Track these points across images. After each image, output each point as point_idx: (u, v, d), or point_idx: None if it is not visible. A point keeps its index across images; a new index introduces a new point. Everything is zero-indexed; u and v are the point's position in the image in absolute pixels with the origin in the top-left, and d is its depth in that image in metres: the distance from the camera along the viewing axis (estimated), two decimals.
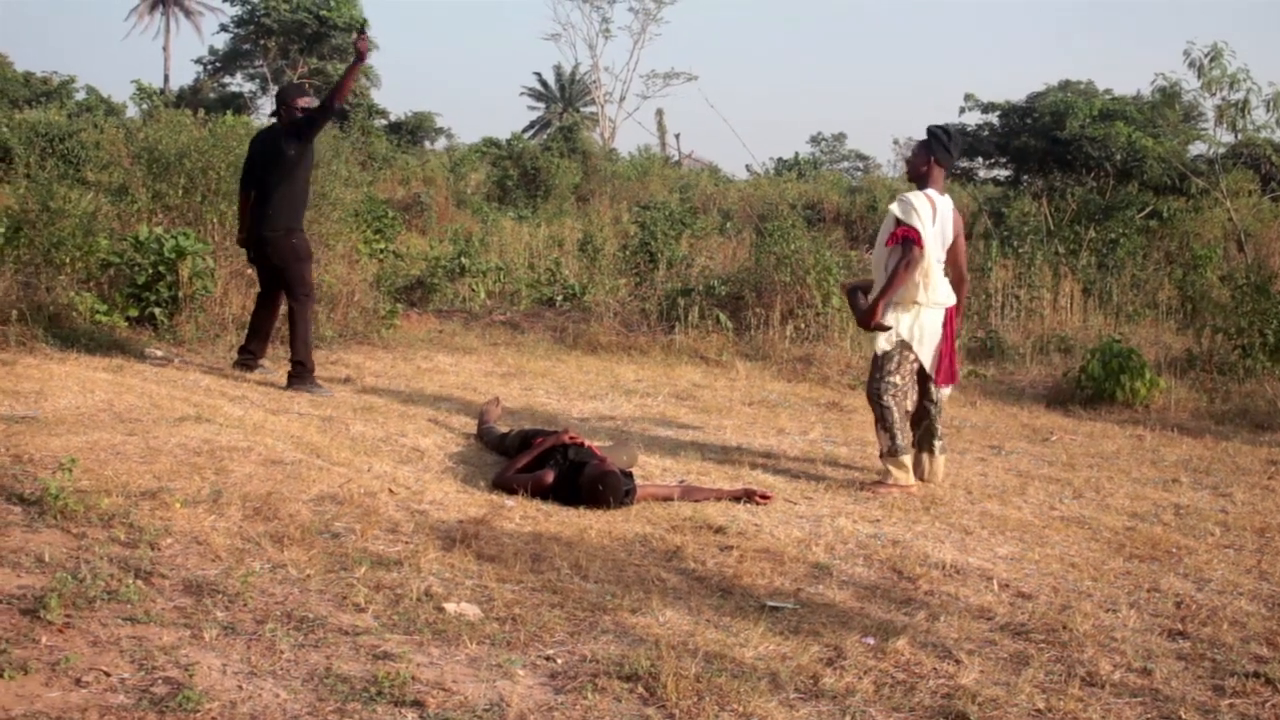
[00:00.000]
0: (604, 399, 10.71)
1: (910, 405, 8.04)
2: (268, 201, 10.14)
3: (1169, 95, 19.34)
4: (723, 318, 14.06)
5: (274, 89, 49.27)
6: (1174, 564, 6.34)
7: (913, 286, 7.85)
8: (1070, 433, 10.10)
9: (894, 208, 7.93)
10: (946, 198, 8.10)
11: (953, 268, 8.25)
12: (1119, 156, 20.53)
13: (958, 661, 4.71)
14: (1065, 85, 27.71)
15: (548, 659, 4.51)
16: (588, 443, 7.60)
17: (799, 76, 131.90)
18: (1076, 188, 20.36)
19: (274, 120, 10.51)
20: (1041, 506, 7.52)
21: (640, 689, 4.25)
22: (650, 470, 7.99)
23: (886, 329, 7.93)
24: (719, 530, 6.50)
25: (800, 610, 5.30)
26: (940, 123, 8.20)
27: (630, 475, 7.14)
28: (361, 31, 10.18)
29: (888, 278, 7.87)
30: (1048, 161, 21.82)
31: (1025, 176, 23.16)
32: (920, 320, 7.93)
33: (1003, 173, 24.02)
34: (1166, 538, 6.82)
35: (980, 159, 23.86)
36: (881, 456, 7.97)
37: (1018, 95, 25.60)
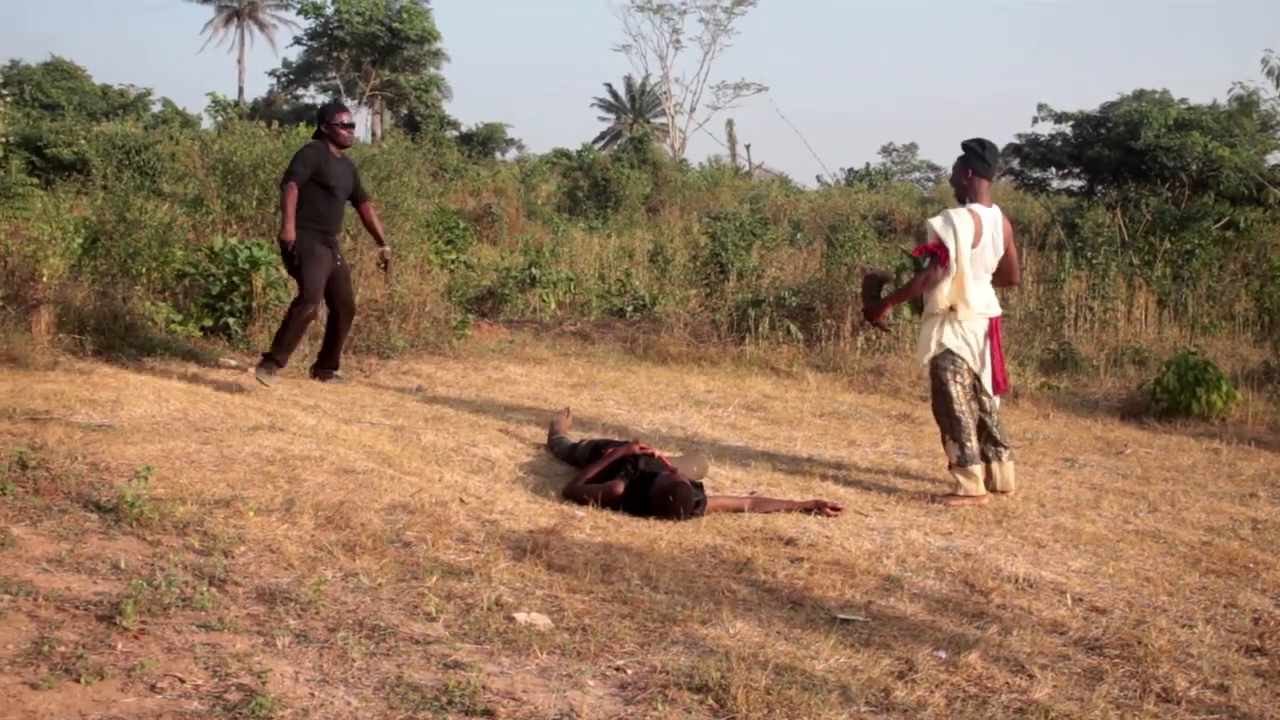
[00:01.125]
0: (674, 410, 10.71)
1: (976, 410, 8.03)
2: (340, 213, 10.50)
3: (1246, 104, 19.15)
4: (793, 329, 14.02)
5: (347, 101, 49.69)
6: (1251, 579, 6.25)
7: (945, 297, 7.91)
8: (1145, 446, 9.99)
9: (933, 221, 7.98)
10: (994, 209, 8.10)
11: (1002, 276, 8.27)
12: (1194, 166, 20.31)
13: (1031, 676, 4.67)
14: (1140, 95, 27.43)
15: (618, 669, 4.51)
16: (658, 453, 7.59)
17: (870, 86, 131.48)
18: (1151, 198, 20.16)
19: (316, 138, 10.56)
20: (1116, 520, 7.44)
21: (710, 701, 4.24)
22: (720, 481, 7.97)
23: (886, 329, 8.34)
24: (790, 542, 6.48)
25: (871, 623, 5.27)
26: (977, 136, 8.17)
27: (700, 486, 7.13)
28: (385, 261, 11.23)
29: (906, 285, 8.17)
30: (1122, 172, 21.62)
31: (1099, 187, 22.95)
32: (963, 329, 7.96)
33: (1076, 183, 23.81)
34: (1244, 552, 6.72)
35: (1054, 169, 23.66)
36: (951, 468, 7.94)
37: (1091, 105, 25.43)
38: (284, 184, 10.04)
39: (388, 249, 11.15)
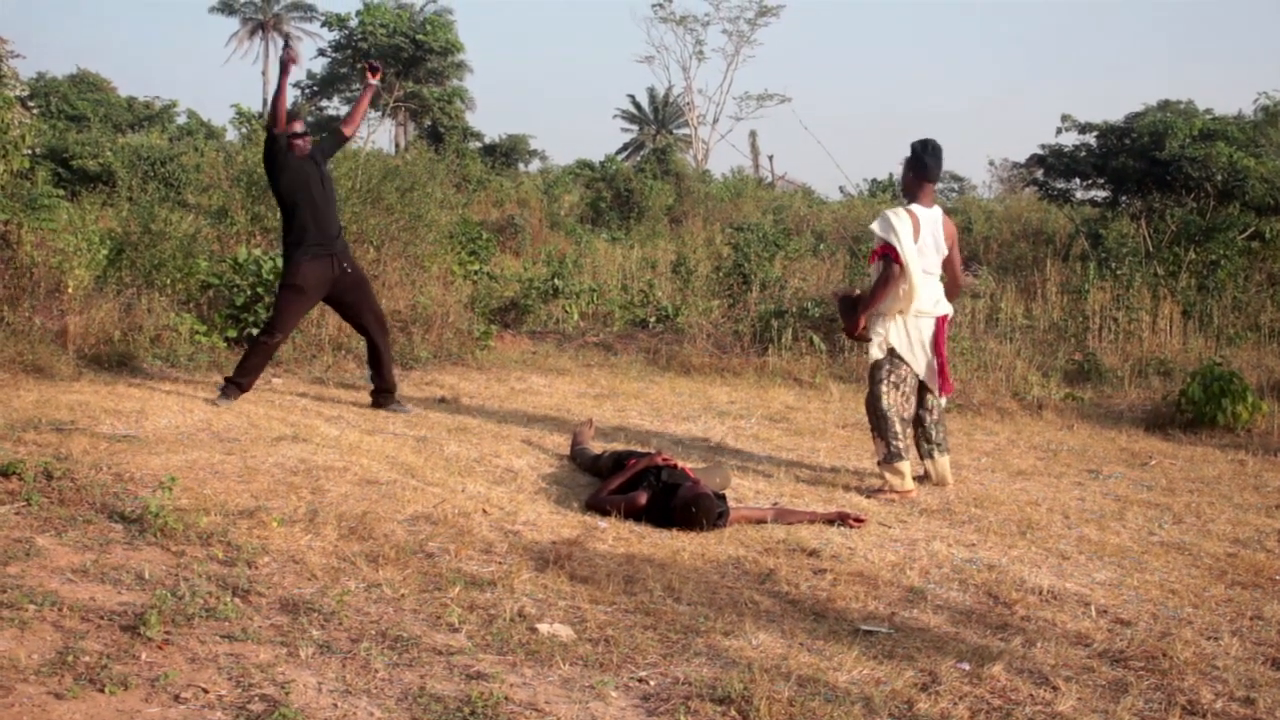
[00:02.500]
0: (697, 421, 10.70)
1: (909, 414, 8.32)
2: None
3: (1272, 114, 19.07)
4: (816, 339, 14.01)
5: (371, 113, 49.82)
6: (1277, 591, 6.22)
7: (896, 298, 8.17)
8: (1170, 457, 9.95)
9: (874, 225, 8.34)
10: (934, 209, 8.40)
11: (948, 274, 8.59)
12: (1220, 177, 20.19)
13: (1055, 688, 4.65)
14: (1165, 105, 27.32)
15: (640, 681, 4.50)
16: (681, 464, 7.59)
17: (893, 96, 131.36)
18: (1176, 209, 20.05)
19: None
20: (1140, 532, 7.41)
21: (733, 712, 4.24)
22: (743, 492, 7.97)
23: (868, 340, 8.37)
24: (813, 553, 6.47)
25: (895, 635, 5.26)
26: (922, 139, 8.39)
27: (723, 497, 7.13)
28: (374, 67, 10.47)
29: (870, 292, 8.29)
30: (1146, 182, 21.51)
31: (1123, 197, 22.83)
32: (907, 329, 8.27)
33: (1100, 193, 23.67)
34: (1270, 564, 6.69)
35: (1078, 180, 23.54)
36: (879, 464, 8.24)
37: (1116, 115, 25.31)
38: (274, 131, 9.65)
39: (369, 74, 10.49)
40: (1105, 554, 6.81)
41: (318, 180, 9.70)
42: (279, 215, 12.07)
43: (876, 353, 8.32)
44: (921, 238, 8.23)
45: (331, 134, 10.27)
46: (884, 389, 8.27)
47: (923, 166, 8.32)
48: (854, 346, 13.67)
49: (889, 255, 8.16)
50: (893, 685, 4.58)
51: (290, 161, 9.63)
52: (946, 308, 8.50)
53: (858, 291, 8.54)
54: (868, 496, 8.13)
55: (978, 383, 12.59)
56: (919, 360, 8.32)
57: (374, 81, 10.28)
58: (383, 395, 10.11)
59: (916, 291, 8.20)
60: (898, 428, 8.22)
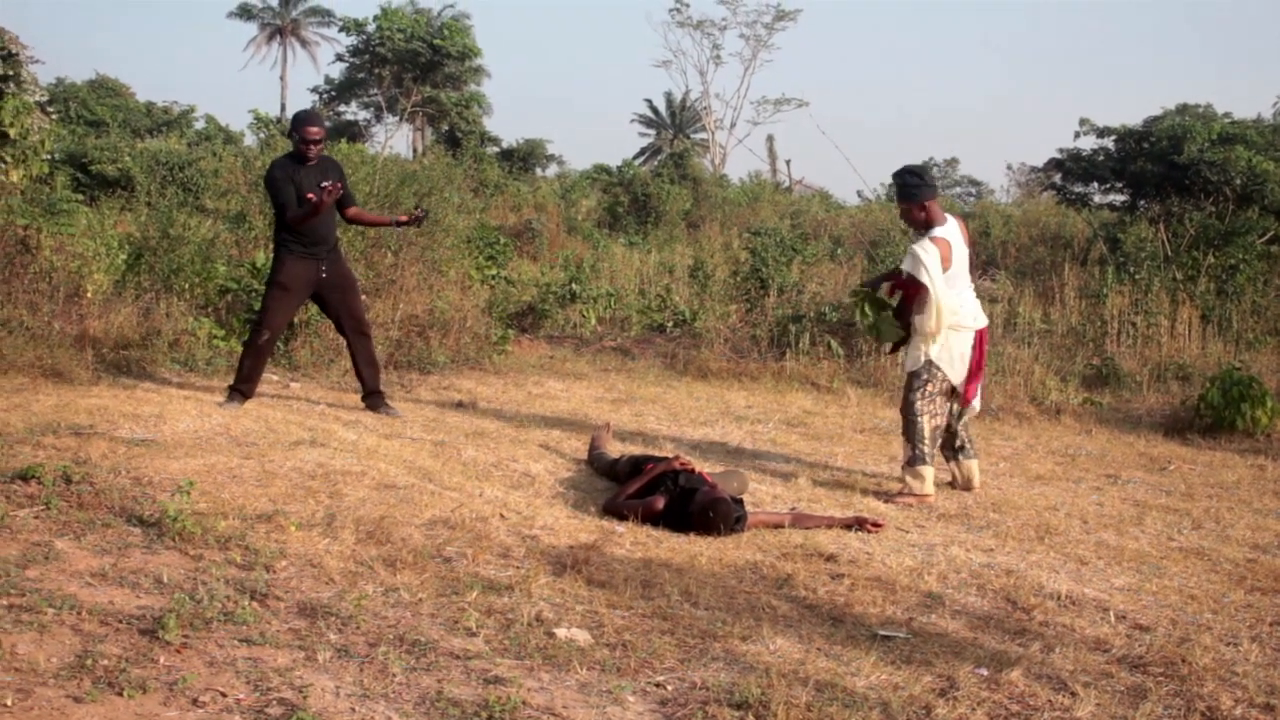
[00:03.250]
0: (714, 425, 10.70)
1: (941, 421, 8.43)
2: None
3: None
4: (834, 344, 14.00)
5: (388, 117, 49.94)
6: None
7: (937, 321, 8.25)
8: (1189, 462, 9.92)
9: (904, 264, 8.40)
10: (951, 221, 8.49)
11: None
12: (1239, 181, 20.13)
13: (1073, 694, 4.64)
14: (1183, 109, 27.26)
15: (658, 686, 4.50)
16: (698, 469, 7.58)
17: (910, 101, 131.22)
18: (1195, 213, 19.98)
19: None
20: (1159, 537, 7.39)
21: (750, 717, 4.24)
22: (761, 497, 7.96)
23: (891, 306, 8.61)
24: (830, 558, 6.47)
25: (912, 640, 5.25)
26: (904, 166, 8.52)
27: (741, 502, 7.12)
28: (420, 214, 10.23)
29: (906, 302, 8.49)
30: (1165, 186, 21.45)
31: (1142, 201, 22.77)
32: (949, 343, 8.33)
33: (1119, 198, 23.62)
34: None
35: (1096, 184, 23.50)
36: (903, 467, 8.34)
37: (1134, 119, 25.26)
38: (286, 219, 9.51)
39: (403, 215, 10.39)
40: (1124, 559, 6.79)
41: (317, 191, 9.53)
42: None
43: (913, 363, 8.40)
44: (954, 264, 8.32)
45: (342, 199, 9.89)
46: (917, 397, 8.34)
47: (927, 188, 8.39)
48: (871, 351, 13.67)
49: (910, 291, 8.39)
50: (911, 690, 4.58)
51: (295, 172, 9.62)
52: (984, 320, 8.60)
53: (904, 273, 8.48)
54: (887, 500, 8.17)
55: (996, 387, 12.56)
56: (957, 371, 8.39)
57: (403, 223, 10.25)
58: (370, 397, 10.13)
59: (958, 310, 8.34)
60: (926, 434, 8.30)
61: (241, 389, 9.67)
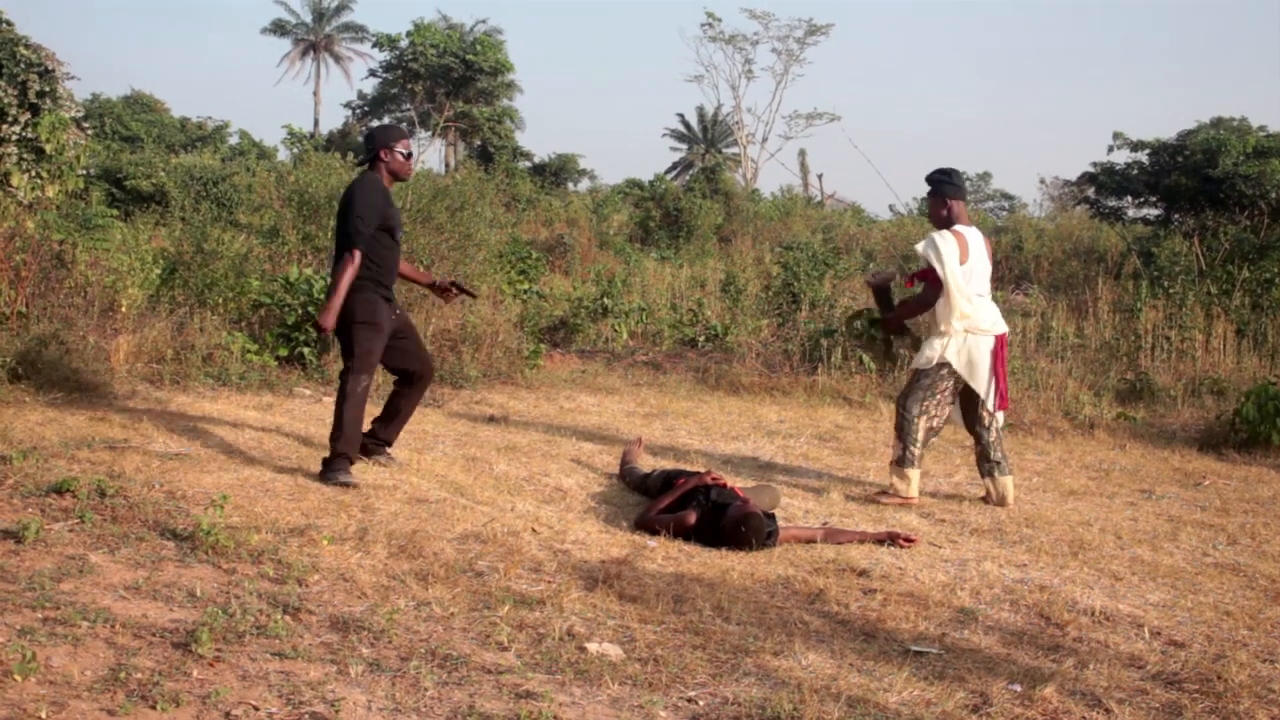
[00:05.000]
0: (746, 440, 10.69)
1: (937, 425, 8.51)
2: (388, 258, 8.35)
3: None
4: (866, 359, 13.96)
5: (420, 132, 50.07)
6: None
7: (957, 319, 8.33)
8: (1224, 477, 9.86)
9: (919, 245, 8.52)
10: (974, 229, 8.55)
11: None
12: (1274, 194, 20.06)
13: (1108, 711, 4.62)
14: (1218, 122, 27.16)
15: (690, 700, 4.49)
16: (730, 484, 7.57)
17: (943, 115, 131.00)
18: (1229, 226, 19.92)
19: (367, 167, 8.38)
20: (1194, 552, 7.35)
21: None
22: (793, 512, 7.95)
23: (907, 332, 8.91)
24: (862, 573, 6.45)
25: (945, 655, 5.23)
26: (937, 169, 8.65)
27: (773, 517, 7.11)
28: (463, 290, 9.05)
29: (910, 305, 8.71)
30: (1199, 200, 21.38)
31: (1176, 215, 22.72)
32: (967, 346, 8.37)
33: (1153, 212, 23.57)
34: None
35: (1130, 198, 23.44)
36: (890, 465, 8.47)
37: (1168, 133, 25.19)
38: (349, 249, 7.98)
39: (445, 279, 9.17)
40: (1158, 575, 6.75)
41: (399, 222, 8.43)
42: (330, 235, 11.90)
43: (924, 363, 8.44)
44: (970, 259, 8.36)
45: (350, 238, 8.17)
46: (919, 394, 8.44)
47: (954, 188, 8.52)
48: (903, 365, 13.63)
49: (927, 280, 8.42)
50: (943, 707, 4.56)
51: (389, 196, 8.32)
52: (1004, 326, 8.61)
53: (895, 275, 8.66)
54: (871, 499, 8.38)
55: (1029, 402, 12.51)
56: (980, 378, 8.40)
57: (445, 289, 8.99)
58: (376, 442, 8.59)
59: (974, 312, 8.35)
60: (919, 435, 8.40)
61: (348, 453, 7.89)
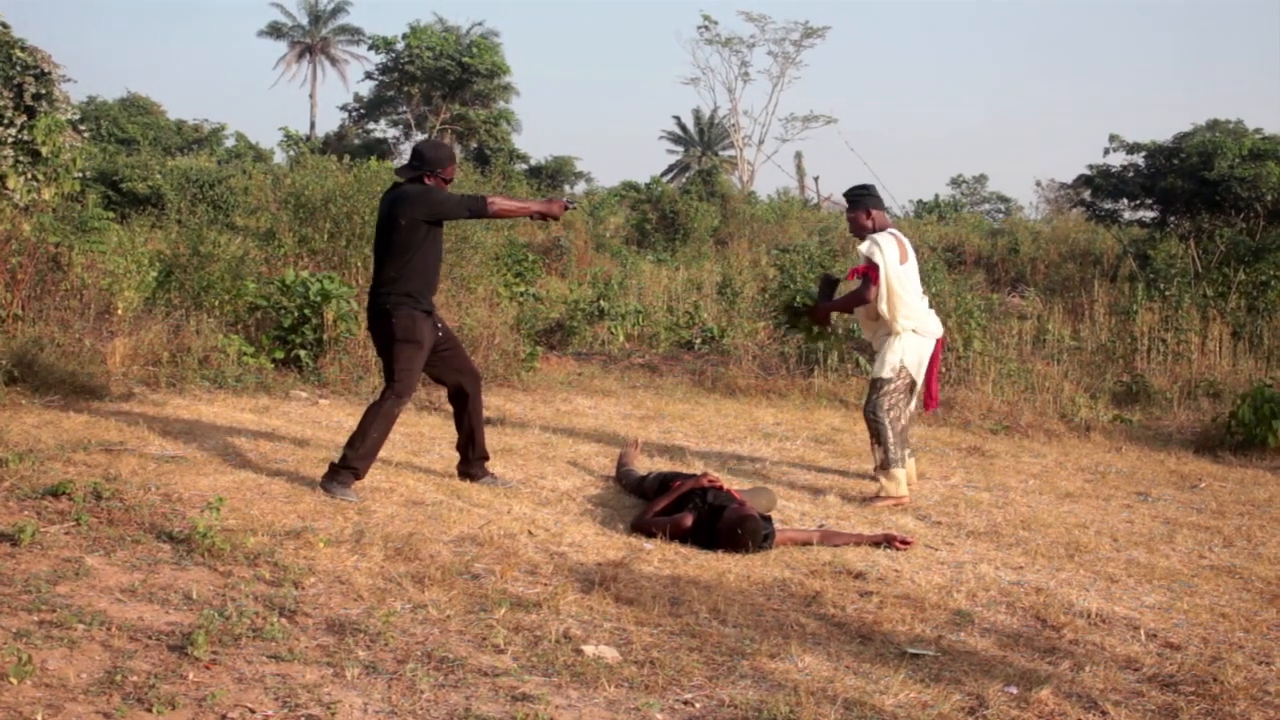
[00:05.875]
0: (743, 442, 10.69)
1: (904, 421, 8.85)
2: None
3: None
4: (862, 361, 13.97)
5: (416, 134, 50.03)
6: None
7: (904, 319, 8.73)
8: (1220, 479, 9.87)
9: (861, 247, 8.87)
10: (899, 233, 9.01)
11: None
12: (1270, 197, 20.06)
13: (1104, 713, 4.62)
14: (1213, 125, 27.17)
15: (686, 703, 4.50)
16: (726, 486, 7.57)
17: (939, 118, 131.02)
18: (1225, 229, 19.92)
19: (411, 180, 7.98)
20: (1190, 555, 7.36)
21: None
22: (789, 514, 7.95)
23: (826, 333, 9.77)
24: (859, 575, 6.45)
25: (941, 658, 5.23)
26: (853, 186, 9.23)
27: (769, 519, 7.11)
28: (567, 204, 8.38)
29: (845, 298, 9.20)
30: (1195, 202, 21.39)
31: (1172, 218, 22.71)
32: (917, 349, 8.80)
33: (1148, 214, 23.56)
34: None
35: (1125, 200, 23.43)
36: (876, 471, 8.66)
37: (1164, 135, 25.19)
38: (490, 203, 7.81)
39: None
40: (1154, 577, 6.76)
41: (440, 233, 8.11)
42: (326, 237, 11.90)
43: (888, 372, 8.70)
44: (909, 259, 8.82)
45: (465, 199, 7.99)
46: (886, 402, 8.69)
47: (875, 199, 8.99)
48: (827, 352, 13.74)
49: (869, 275, 8.70)
50: (940, 709, 4.56)
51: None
52: (941, 329, 9.10)
53: (862, 259, 8.89)
54: (864, 503, 8.44)
55: (1025, 404, 12.52)
56: (920, 374, 8.86)
57: (549, 208, 8.16)
58: (476, 466, 8.42)
59: (918, 311, 8.80)
60: (894, 438, 8.62)
61: (357, 468, 7.65)
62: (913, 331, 8.73)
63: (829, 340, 9.42)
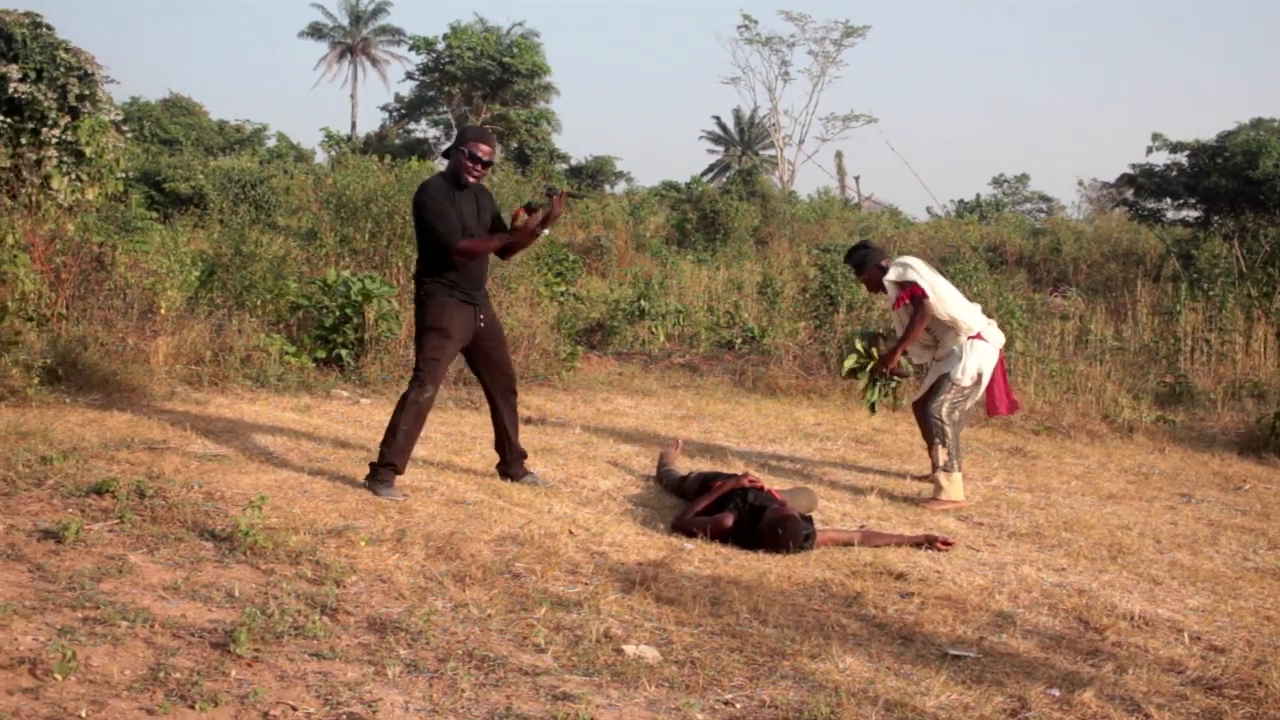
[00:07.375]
0: (783, 442, 10.67)
1: (964, 426, 9.06)
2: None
3: None
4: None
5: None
6: None
7: (968, 325, 8.74)
8: (1264, 481, 9.80)
9: (890, 276, 8.88)
10: None
11: None
12: None
13: (1147, 716, 4.59)
14: (1258, 123, 27.01)
15: (726, 703, 4.49)
16: (767, 486, 7.56)
17: (981, 117, 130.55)
18: (1270, 228, 19.79)
19: (446, 154, 8.03)
20: (1234, 557, 7.30)
21: None
22: (830, 515, 7.93)
23: (904, 375, 9.40)
24: (900, 576, 6.43)
25: (983, 659, 5.20)
26: (853, 244, 9.69)
27: (810, 519, 7.10)
28: (552, 192, 8.37)
29: (907, 330, 8.87)
30: (1239, 202, 21.26)
31: (1216, 217, 22.58)
32: (990, 357, 8.80)
33: (1192, 214, 23.43)
34: None
35: (1169, 199, 23.31)
36: (938, 471, 8.55)
37: (1208, 134, 25.05)
38: (454, 251, 7.66)
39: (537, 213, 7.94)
40: (1198, 580, 6.71)
41: (475, 221, 7.97)
42: (367, 237, 11.90)
43: (966, 378, 8.68)
44: (934, 269, 8.92)
45: (443, 231, 7.76)
46: (955, 402, 8.70)
47: (878, 253, 9.12)
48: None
49: (917, 294, 8.69)
50: (981, 711, 4.54)
51: (452, 198, 7.87)
52: (1003, 338, 9.05)
53: (883, 331, 8.96)
54: (920, 506, 8.41)
55: (1067, 405, 12.46)
56: (985, 384, 8.85)
57: (520, 237, 8.06)
58: (515, 467, 8.35)
59: (973, 315, 8.82)
60: (959, 442, 8.64)
61: (395, 464, 7.60)
62: (980, 337, 8.74)
63: (906, 379, 9.33)
